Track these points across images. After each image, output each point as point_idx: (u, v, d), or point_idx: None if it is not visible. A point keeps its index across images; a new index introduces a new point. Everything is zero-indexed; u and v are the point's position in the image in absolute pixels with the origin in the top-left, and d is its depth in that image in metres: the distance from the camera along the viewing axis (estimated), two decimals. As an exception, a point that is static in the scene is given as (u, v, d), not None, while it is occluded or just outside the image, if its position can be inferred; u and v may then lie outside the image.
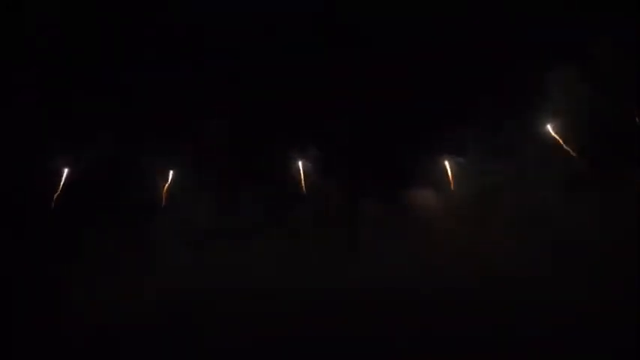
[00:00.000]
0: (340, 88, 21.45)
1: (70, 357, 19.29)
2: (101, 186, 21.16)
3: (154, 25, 20.34)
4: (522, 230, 20.47)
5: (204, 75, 21.06)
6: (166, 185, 21.23)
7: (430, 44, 21.00)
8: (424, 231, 20.74)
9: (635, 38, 19.72)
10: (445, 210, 21.26)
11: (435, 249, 20.46)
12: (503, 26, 20.60)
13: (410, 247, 20.58)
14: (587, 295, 19.21)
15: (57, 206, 20.89)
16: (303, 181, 21.56)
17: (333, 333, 19.78)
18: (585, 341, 18.57)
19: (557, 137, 20.86)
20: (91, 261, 20.38)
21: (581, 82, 20.04)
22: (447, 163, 21.54)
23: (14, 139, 19.96)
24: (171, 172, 21.37)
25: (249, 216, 21.07)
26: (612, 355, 18.44)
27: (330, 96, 21.28)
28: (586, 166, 20.44)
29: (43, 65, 20.03)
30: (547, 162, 20.74)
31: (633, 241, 19.29)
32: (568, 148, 20.75)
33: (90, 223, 20.66)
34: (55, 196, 20.79)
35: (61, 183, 20.78)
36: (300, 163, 21.62)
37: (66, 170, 20.93)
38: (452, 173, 21.50)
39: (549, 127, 20.99)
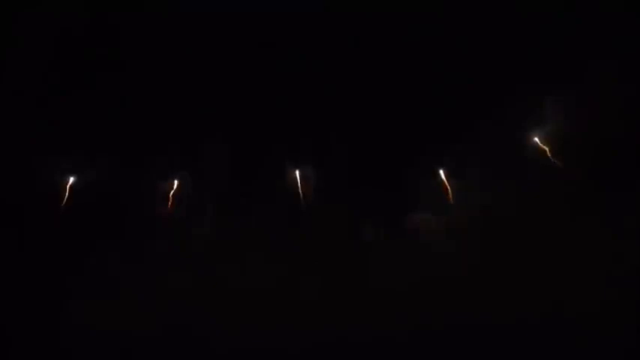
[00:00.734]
0: (339, 106, 21.39)
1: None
2: (102, 203, 21.11)
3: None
4: (525, 253, 20.17)
5: (201, 86, 21.07)
6: (169, 198, 21.18)
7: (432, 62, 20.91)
8: (424, 255, 20.50)
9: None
10: (446, 233, 20.95)
11: (436, 273, 20.16)
12: (505, 40, 20.53)
13: (410, 271, 20.28)
14: (594, 319, 18.95)
15: (59, 220, 20.82)
16: (302, 195, 21.45)
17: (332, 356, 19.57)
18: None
19: (555, 155, 20.70)
20: (90, 278, 20.25)
21: (581, 98, 19.94)
22: (445, 180, 21.29)
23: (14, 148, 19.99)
24: (174, 186, 21.29)
25: (248, 234, 20.87)
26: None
27: (328, 112, 21.22)
28: (585, 180, 20.27)
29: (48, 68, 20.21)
30: (548, 181, 20.52)
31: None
32: (559, 162, 20.58)
33: (90, 240, 20.54)
34: (59, 205, 20.74)
35: (65, 194, 20.77)
36: (298, 177, 21.49)
37: (70, 180, 20.90)
38: (451, 192, 21.24)
39: (547, 146, 20.83)
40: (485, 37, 20.87)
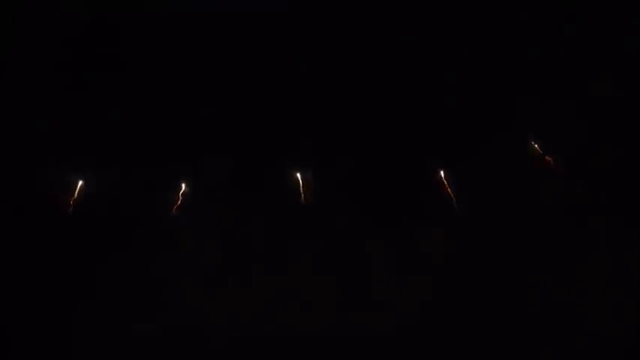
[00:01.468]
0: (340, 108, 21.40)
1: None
2: (106, 206, 20.97)
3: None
4: (528, 269, 20.23)
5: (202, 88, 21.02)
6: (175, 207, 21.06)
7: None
8: (429, 268, 20.49)
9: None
10: (451, 246, 20.93)
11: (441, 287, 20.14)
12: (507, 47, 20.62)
13: (415, 285, 20.22)
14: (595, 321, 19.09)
15: (64, 224, 20.63)
16: (303, 198, 21.40)
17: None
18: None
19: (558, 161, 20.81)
20: (95, 282, 20.07)
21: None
22: (448, 186, 21.31)
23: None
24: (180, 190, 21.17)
25: (251, 249, 20.80)
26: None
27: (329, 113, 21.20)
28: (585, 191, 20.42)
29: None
30: (550, 187, 20.60)
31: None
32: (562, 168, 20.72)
33: (95, 244, 20.37)
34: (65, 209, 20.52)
35: (71, 199, 20.59)
36: (300, 180, 21.46)
37: (77, 183, 20.69)
38: (455, 199, 21.22)
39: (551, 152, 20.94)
40: (488, 39, 20.98)
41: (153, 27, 21.35)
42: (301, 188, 21.74)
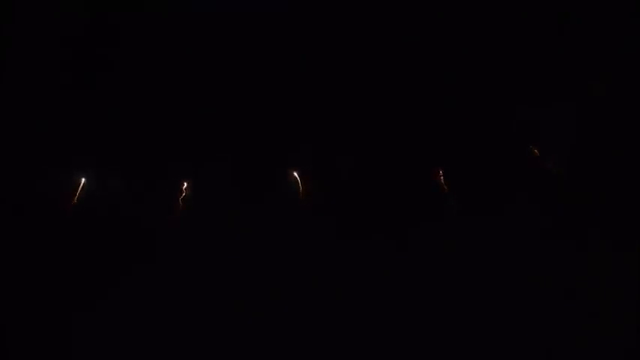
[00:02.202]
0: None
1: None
2: (108, 207, 20.95)
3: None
4: (532, 271, 20.19)
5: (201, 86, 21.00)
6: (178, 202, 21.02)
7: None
8: (430, 271, 20.44)
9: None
10: (451, 248, 20.89)
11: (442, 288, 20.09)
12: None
13: (416, 287, 20.16)
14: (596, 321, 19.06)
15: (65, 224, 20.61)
16: (301, 198, 21.35)
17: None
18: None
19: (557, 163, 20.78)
20: (96, 284, 20.01)
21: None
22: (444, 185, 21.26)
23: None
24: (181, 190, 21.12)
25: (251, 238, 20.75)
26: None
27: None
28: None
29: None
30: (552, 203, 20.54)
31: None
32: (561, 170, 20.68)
33: (96, 245, 20.34)
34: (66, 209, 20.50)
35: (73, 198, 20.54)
36: (298, 179, 21.41)
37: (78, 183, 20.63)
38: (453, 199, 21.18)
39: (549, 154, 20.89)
40: (487, 39, 20.98)
41: (153, 27, 21.37)
42: (300, 188, 21.78)
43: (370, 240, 21.33)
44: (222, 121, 21.63)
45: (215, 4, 21.53)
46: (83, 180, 21.09)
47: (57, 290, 20.18)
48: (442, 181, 21.37)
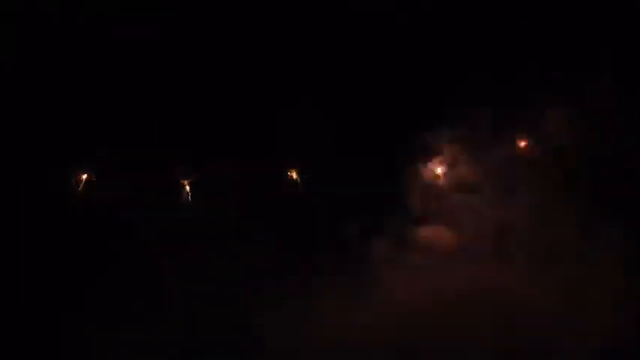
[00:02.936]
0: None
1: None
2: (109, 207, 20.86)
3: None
4: (538, 266, 20.14)
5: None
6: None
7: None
8: (435, 269, 20.38)
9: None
10: (457, 247, 20.84)
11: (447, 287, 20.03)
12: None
13: (421, 285, 20.08)
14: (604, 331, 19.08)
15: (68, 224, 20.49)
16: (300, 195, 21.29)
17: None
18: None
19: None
20: (97, 284, 19.90)
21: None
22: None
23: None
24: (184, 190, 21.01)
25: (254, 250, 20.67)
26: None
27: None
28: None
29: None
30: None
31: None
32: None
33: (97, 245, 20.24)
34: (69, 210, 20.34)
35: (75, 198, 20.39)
36: (297, 178, 21.36)
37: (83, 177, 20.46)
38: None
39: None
40: (487, 38, 20.95)
41: (153, 27, 21.28)
42: (300, 188, 21.78)
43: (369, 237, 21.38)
44: (222, 119, 21.60)
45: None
46: (83, 181, 21.08)
47: (55, 289, 20.16)
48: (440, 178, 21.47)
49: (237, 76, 21.59)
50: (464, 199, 21.11)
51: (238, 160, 21.59)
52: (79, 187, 21.00)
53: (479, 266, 20.17)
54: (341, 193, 21.19)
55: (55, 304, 19.80)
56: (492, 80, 20.86)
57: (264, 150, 21.68)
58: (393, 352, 19.53)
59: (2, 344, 19.29)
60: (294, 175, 21.78)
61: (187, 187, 21.37)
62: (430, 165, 21.36)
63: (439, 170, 21.29)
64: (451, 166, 21.23)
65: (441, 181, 21.23)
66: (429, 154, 21.28)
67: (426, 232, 20.90)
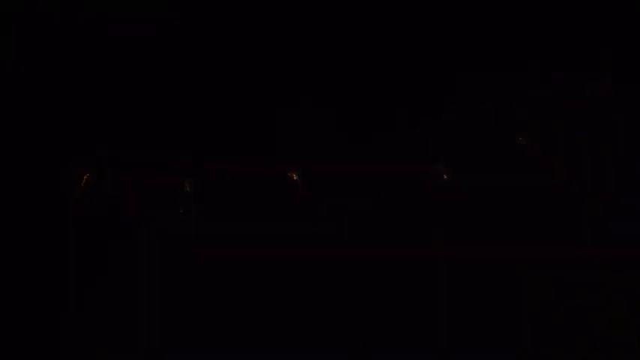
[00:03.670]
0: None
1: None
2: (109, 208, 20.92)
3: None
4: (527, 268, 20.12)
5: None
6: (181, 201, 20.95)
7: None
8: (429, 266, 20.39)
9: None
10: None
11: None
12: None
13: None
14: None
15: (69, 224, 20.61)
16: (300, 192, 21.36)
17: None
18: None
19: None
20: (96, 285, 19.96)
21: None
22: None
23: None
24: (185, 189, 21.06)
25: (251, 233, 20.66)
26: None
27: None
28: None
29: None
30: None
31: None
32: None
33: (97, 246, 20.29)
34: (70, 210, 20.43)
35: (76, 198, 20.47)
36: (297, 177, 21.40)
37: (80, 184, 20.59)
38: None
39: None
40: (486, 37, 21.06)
41: (153, 27, 21.42)
42: (300, 187, 21.82)
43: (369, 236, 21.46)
44: (222, 119, 21.66)
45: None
46: (83, 181, 21.15)
47: (55, 288, 20.24)
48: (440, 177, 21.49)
49: (237, 76, 21.71)
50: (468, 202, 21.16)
51: (238, 160, 21.72)
52: (78, 187, 21.12)
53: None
54: (341, 193, 21.21)
55: (54, 304, 19.93)
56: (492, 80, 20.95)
57: (265, 150, 21.79)
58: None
59: (2, 344, 19.42)
60: (295, 176, 21.88)
61: (187, 188, 21.50)
62: (431, 167, 21.41)
63: (441, 172, 21.33)
64: (453, 168, 21.27)
65: (443, 183, 21.26)
66: (430, 155, 21.31)
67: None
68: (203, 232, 20.12)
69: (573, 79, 18.55)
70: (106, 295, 19.74)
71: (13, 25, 17.42)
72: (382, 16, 17.88)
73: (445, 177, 19.05)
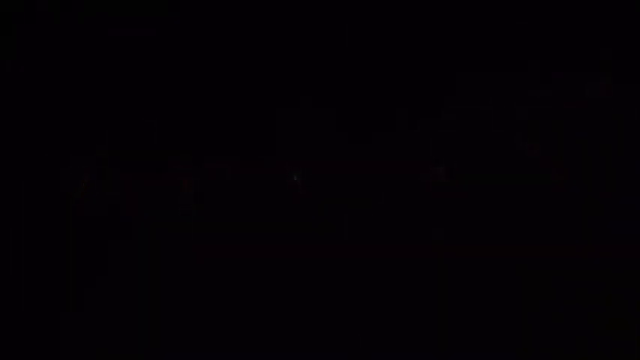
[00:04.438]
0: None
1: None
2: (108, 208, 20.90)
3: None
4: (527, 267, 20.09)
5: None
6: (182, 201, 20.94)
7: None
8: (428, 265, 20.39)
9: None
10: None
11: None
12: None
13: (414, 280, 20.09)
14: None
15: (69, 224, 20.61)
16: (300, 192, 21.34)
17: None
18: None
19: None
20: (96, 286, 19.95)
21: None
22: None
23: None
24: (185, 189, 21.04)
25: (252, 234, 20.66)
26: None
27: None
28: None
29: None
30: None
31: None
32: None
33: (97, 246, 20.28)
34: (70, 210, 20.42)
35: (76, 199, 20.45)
36: (296, 177, 21.37)
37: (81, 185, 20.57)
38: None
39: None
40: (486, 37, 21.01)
41: (153, 27, 21.40)
42: (299, 187, 21.80)
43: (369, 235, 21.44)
44: (222, 119, 21.63)
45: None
46: (83, 180, 21.12)
47: (55, 288, 20.21)
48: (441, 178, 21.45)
49: (237, 76, 21.69)
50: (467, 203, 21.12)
51: (238, 160, 21.70)
52: (78, 187, 21.10)
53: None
54: (341, 193, 21.19)
55: (54, 304, 19.90)
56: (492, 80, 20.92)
57: (265, 150, 21.77)
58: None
59: (2, 344, 19.41)
60: (295, 177, 21.86)
61: (188, 188, 21.47)
62: (432, 167, 21.40)
63: (441, 173, 21.31)
64: (453, 168, 21.26)
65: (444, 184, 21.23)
66: (430, 155, 21.30)
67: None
68: (203, 232, 20.09)
69: (573, 79, 18.47)
70: (106, 295, 19.71)
71: (13, 25, 17.43)
72: (382, 16, 17.77)
73: (445, 177, 19.03)
